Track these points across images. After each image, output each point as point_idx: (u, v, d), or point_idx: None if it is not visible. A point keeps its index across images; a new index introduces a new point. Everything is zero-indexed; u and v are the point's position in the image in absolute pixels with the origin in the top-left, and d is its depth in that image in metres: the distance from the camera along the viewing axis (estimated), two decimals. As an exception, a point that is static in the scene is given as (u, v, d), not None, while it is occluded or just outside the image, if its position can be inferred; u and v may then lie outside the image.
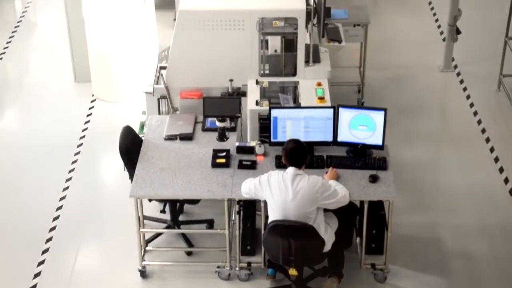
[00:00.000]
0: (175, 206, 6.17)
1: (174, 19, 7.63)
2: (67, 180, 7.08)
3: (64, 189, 6.97)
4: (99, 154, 7.49)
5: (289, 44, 6.47)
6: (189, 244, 6.13)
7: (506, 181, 7.03)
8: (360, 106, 7.73)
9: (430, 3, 10.16)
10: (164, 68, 6.76)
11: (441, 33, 9.42)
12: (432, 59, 8.86)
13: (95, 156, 7.44)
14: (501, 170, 7.18)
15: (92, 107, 8.16)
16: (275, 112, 5.80)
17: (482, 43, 9.17)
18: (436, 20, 9.75)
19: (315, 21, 6.46)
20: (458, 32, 8.48)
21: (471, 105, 8.15)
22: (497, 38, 8.58)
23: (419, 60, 8.91)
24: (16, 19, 10.00)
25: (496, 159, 7.32)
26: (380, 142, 5.79)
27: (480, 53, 9.00)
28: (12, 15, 10.16)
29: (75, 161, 7.35)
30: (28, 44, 9.49)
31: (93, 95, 8.29)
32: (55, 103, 8.23)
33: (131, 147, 5.97)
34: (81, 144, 7.57)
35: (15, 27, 9.80)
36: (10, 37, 9.57)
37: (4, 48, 9.33)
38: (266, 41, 6.52)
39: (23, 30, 9.74)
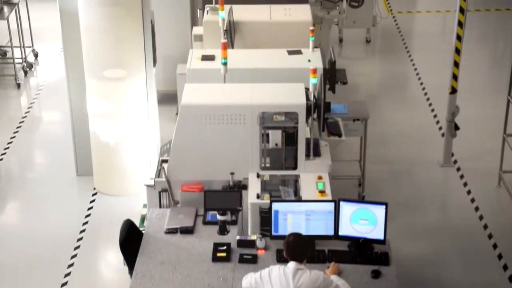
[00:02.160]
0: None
1: (176, 113, 7.75)
2: (66, 275, 6.99)
3: (63, 285, 6.87)
4: (99, 249, 7.43)
5: (290, 138, 6.54)
6: None
7: (511, 279, 6.93)
8: (361, 200, 7.73)
9: (428, 99, 10.34)
10: (165, 161, 6.81)
11: (440, 128, 9.54)
12: (432, 154, 8.93)
13: (94, 251, 7.38)
14: (505, 267, 7.09)
15: (93, 200, 8.16)
16: (276, 206, 5.80)
17: (481, 139, 9.26)
18: (435, 116, 9.89)
19: (315, 115, 6.56)
20: (457, 128, 8.60)
21: (472, 200, 8.15)
22: (496, 134, 8.67)
23: (419, 155, 8.98)
24: (21, 114, 10.16)
25: (500, 256, 7.25)
26: (381, 237, 5.76)
27: (479, 149, 9.08)
28: (17, 111, 10.34)
29: (75, 255, 7.29)
30: (32, 139, 9.60)
31: (94, 189, 8.31)
32: (56, 197, 8.24)
33: (131, 241, 5.93)
34: (81, 238, 7.53)
35: (20, 122, 9.94)
36: (15, 132, 9.69)
37: (8, 143, 9.43)
38: (267, 135, 6.60)
39: (27, 125, 9.88)
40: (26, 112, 10.22)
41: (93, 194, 8.26)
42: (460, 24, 8.15)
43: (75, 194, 8.34)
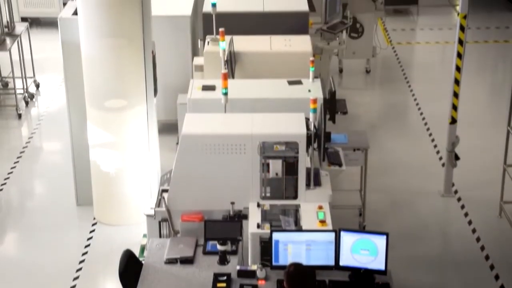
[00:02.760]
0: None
1: (177, 143, 7.76)
2: (65, 305, 6.96)
3: (61, 315, 6.84)
4: (99, 279, 7.39)
5: (290, 167, 6.54)
6: None
7: (513, 308, 6.90)
8: (362, 230, 7.71)
9: (428, 129, 10.36)
10: (166, 191, 6.80)
11: (440, 158, 9.55)
12: (432, 184, 8.93)
13: (94, 281, 7.33)
14: (507, 298, 7.06)
15: (93, 230, 8.14)
16: (276, 236, 5.78)
17: (481, 169, 9.26)
18: (435, 146, 9.91)
19: (315, 145, 6.57)
20: (457, 158, 8.60)
21: (473, 231, 8.12)
22: (496, 165, 8.67)
23: (419, 184, 8.97)
24: (22, 144, 10.18)
25: (502, 287, 7.20)
26: (382, 267, 5.73)
27: (480, 179, 9.07)
28: (18, 141, 10.36)
29: (74, 286, 7.25)
30: (32, 169, 9.60)
31: (94, 219, 8.29)
32: (56, 227, 8.22)
33: (131, 271, 5.90)
34: (80, 269, 7.49)
35: (21, 152, 9.95)
36: (15, 163, 9.70)
37: (9, 174, 9.43)
38: (267, 165, 6.60)
39: (28, 155, 9.89)
40: (26, 142, 10.24)
41: (93, 224, 8.23)
42: (459, 56, 8.21)
43: (74, 224, 8.32)
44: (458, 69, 8.27)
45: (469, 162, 9.16)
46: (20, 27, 11.21)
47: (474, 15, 13.59)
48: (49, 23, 13.71)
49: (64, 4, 11.87)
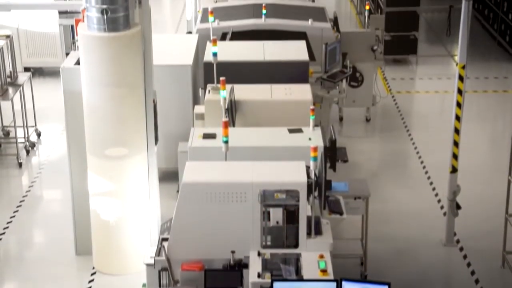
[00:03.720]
0: None
1: (177, 191, 7.74)
2: None
3: None
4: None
5: (291, 216, 6.51)
6: None
7: None
8: (364, 279, 7.62)
9: (429, 177, 10.35)
10: (166, 239, 6.75)
11: (442, 207, 9.51)
12: (434, 233, 8.87)
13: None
14: None
15: (92, 280, 8.05)
16: (277, 285, 5.71)
17: (483, 219, 9.21)
18: (436, 195, 9.88)
19: (316, 193, 6.55)
20: (458, 207, 8.57)
21: (476, 281, 8.04)
22: (498, 214, 8.63)
23: (421, 233, 8.91)
24: (22, 193, 10.16)
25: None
26: (385, 316, 5.65)
27: (482, 228, 9.02)
28: (18, 190, 10.34)
29: (72, 336, 7.15)
30: (31, 218, 9.56)
31: (93, 268, 8.21)
32: (55, 277, 8.14)
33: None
34: (78, 319, 7.40)
35: (20, 201, 9.92)
36: (15, 212, 9.66)
37: (8, 223, 9.38)
38: (268, 213, 6.58)
39: (27, 204, 9.86)
40: (26, 191, 10.22)
41: (92, 274, 8.15)
42: (459, 105, 8.25)
43: (73, 274, 8.23)
44: (457, 118, 8.30)
45: (471, 211, 9.12)
46: (23, 77, 11.31)
47: (473, 65, 13.73)
48: (51, 73, 13.84)
49: (67, 54, 12.03)
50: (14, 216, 9.55)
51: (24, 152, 11.19)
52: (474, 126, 11.80)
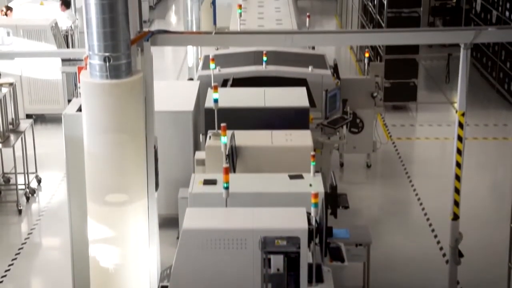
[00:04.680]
0: None
1: (177, 238, 7.69)
2: None
3: None
4: None
5: (292, 263, 6.45)
6: None
7: None
8: (366, 328, 7.51)
9: (430, 224, 10.29)
10: (165, 287, 6.68)
11: (444, 255, 9.43)
12: (436, 281, 8.78)
13: None
14: None
15: (90, 329, 7.94)
16: (278, 333, 5.62)
17: (486, 267, 9.14)
18: (438, 242, 9.81)
19: (317, 240, 6.51)
20: (461, 255, 8.48)
21: (480, 329, 7.95)
22: (501, 262, 8.56)
23: (423, 282, 8.83)
24: (21, 241, 10.09)
25: None
26: None
27: (485, 277, 8.93)
28: (17, 237, 10.28)
29: None
30: (30, 266, 9.48)
31: (92, 317, 8.10)
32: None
33: None
34: None
35: (19, 249, 9.85)
36: (13, 259, 9.58)
37: (6, 271, 9.30)
38: (269, 260, 6.51)
39: (26, 252, 9.79)
40: (25, 239, 10.15)
41: (91, 322, 8.04)
42: (459, 152, 8.24)
43: (72, 322, 8.13)
44: (458, 165, 8.29)
45: (473, 259, 9.03)
46: (25, 124, 11.36)
47: (472, 112, 13.77)
48: (53, 120, 13.89)
49: (69, 101, 12.11)
50: (12, 264, 9.47)
51: (24, 199, 11.16)
52: (475, 173, 11.78)
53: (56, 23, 14.21)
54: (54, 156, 12.14)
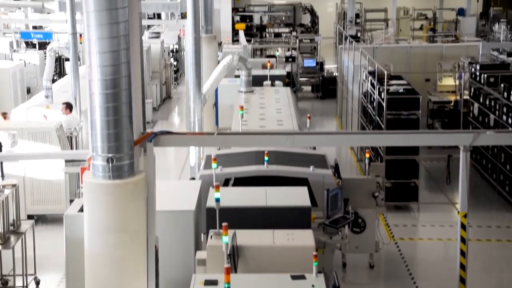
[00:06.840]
0: None
1: None
2: None
3: None
4: None
5: None
6: None
7: None
8: None
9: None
10: None
11: None
12: None
13: None
14: None
15: None
16: None
17: None
18: None
19: None
20: None
21: None
22: None
23: None
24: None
25: None
26: None
27: None
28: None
29: None
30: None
31: None
32: None
33: None
34: None
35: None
36: None
37: None
38: None
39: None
40: None
41: None
42: (463, 254, 8.15)
43: None
44: (462, 267, 8.18)
45: None
46: (26, 225, 11.30)
47: (474, 214, 13.71)
48: (55, 220, 13.84)
49: (71, 201, 12.11)
50: None
51: (21, 301, 10.96)
52: (479, 275, 11.60)
53: (61, 125, 14.45)
54: (54, 257, 12.01)
